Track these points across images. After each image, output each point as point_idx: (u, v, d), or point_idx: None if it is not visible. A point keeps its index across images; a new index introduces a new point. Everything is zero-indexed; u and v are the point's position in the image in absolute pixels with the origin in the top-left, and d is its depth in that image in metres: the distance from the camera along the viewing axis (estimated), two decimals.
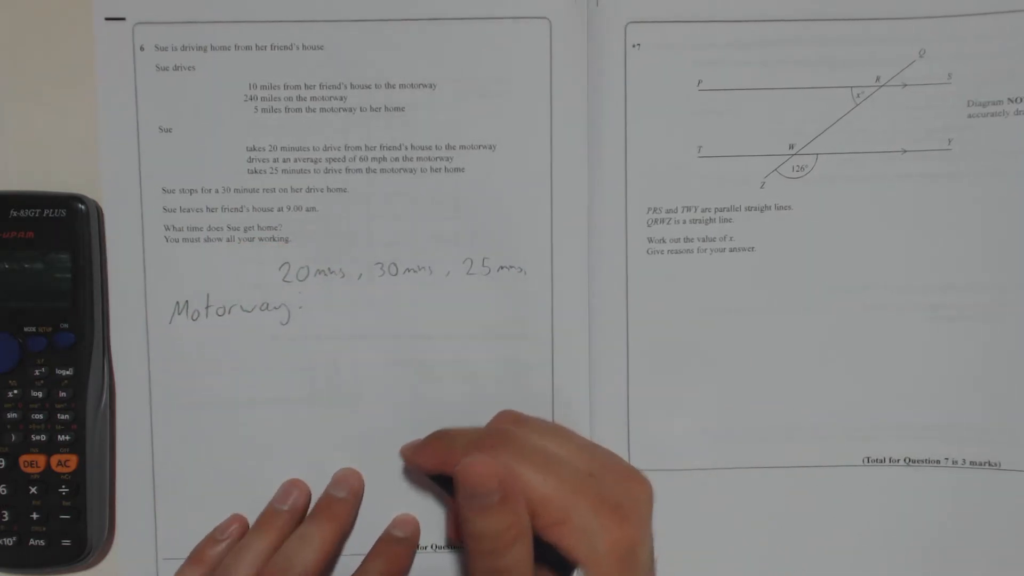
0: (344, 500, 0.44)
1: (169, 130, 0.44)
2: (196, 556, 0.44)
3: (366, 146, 0.44)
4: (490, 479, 0.35)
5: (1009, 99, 0.44)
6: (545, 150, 0.44)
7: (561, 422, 0.44)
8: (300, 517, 0.44)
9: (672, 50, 0.44)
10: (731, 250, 0.45)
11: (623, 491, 0.38)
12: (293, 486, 0.44)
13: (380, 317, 0.44)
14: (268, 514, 0.44)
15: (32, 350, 0.42)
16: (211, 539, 0.44)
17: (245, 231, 0.44)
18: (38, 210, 0.42)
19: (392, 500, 0.45)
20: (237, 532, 0.44)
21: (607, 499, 0.37)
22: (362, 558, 0.44)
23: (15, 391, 0.43)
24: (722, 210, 0.44)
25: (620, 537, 0.36)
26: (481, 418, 0.42)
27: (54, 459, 0.43)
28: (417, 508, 0.45)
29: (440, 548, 0.45)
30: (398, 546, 0.44)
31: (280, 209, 0.44)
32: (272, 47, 0.44)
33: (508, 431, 0.39)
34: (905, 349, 0.45)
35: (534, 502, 0.36)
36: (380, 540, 0.45)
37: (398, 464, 0.45)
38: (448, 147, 0.44)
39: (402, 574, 0.45)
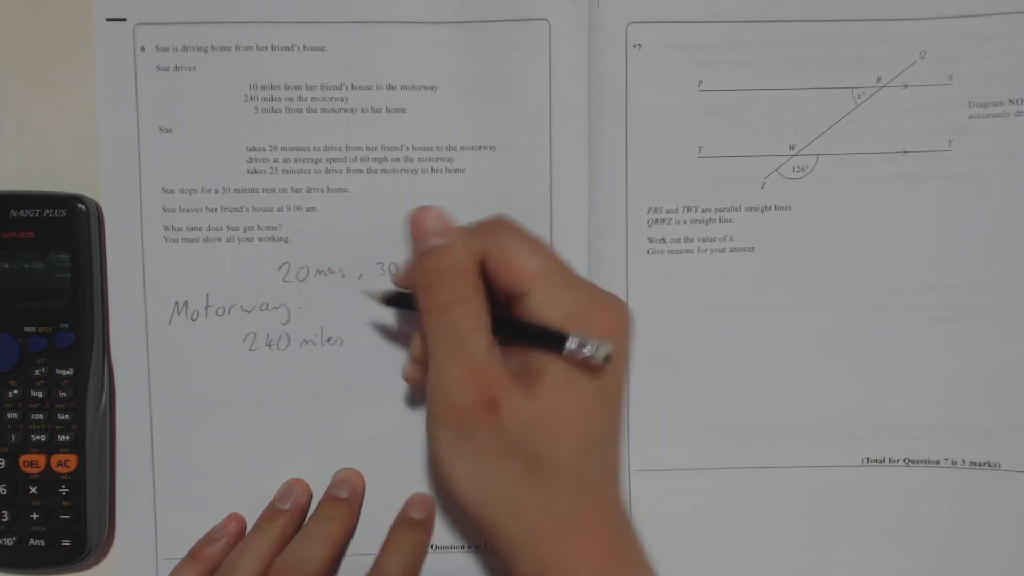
0: (346, 500, 0.44)
1: (169, 130, 0.44)
2: (194, 554, 0.43)
3: (367, 146, 0.44)
4: (434, 219, 0.37)
5: (1010, 100, 0.44)
6: (545, 151, 0.44)
7: None
8: (302, 517, 0.44)
9: (672, 50, 0.44)
10: (731, 250, 0.45)
11: (605, 303, 0.37)
12: (295, 486, 0.44)
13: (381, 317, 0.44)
14: (269, 513, 0.44)
15: (32, 350, 0.42)
16: (209, 538, 0.44)
17: (245, 231, 0.44)
18: (38, 210, 0.42)
19: (394, 500, 0.45)
20: (235, 531, 0.44)
21: (605, 294, 0.37)
22: (365, 558, 0.44)
23: (15, 391, 0.43)
24: (722, 210, 0.44)
25: (619, 329, 0.36)
26: None
27: (54, 459, 0.43)
28: None
29: (441, 548, 0.45)
30: (415, 532, 0.44)
31: (280, 209, 0.44)
32: (273, 48, 0.44)
33: (504, 218, 0.38)
34: (905, 349, 0.45)
35: (534, 274, 0.36)
36: (396, 526, 0.44)
37: (400, 464, 0.45)
38: (449, 148, 0.44)
39: (422, 560, 0.45)
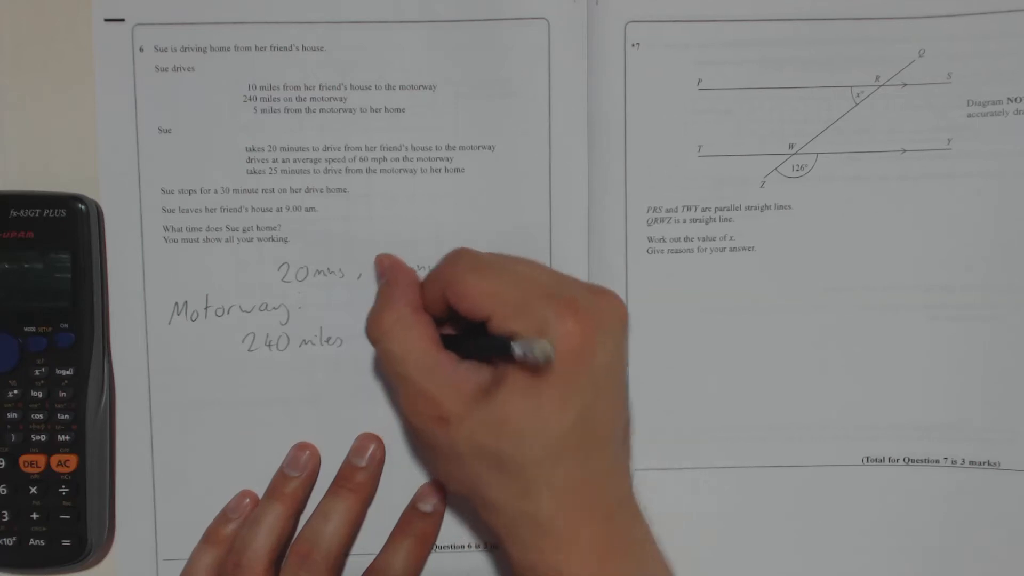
0: (365, 469, 0.44)
1: (168, 131, 0.44)
2: (209, 536, 0.43)
3: (366, 146, 0.44)
4: (379, 261, 0.43)
5: (1008, 99, 0.43)
6: (544, 150, 0.44)
7: None
8: (312, 482, 0.44)
9: (672, 49, 0.44)
10: (731, 249, 0.45)
11: (587, 298, 0.37)
12: (302, 450, 0.44)
13: None
14: (279, 481, 0.44)
15: (32, 350, 0.43)
16: (223, 518, 0.44)
17: (244, 231, 0.44)
18: (38, 210, 0.42)
19: (393, 500, 0.45)
20: (249, 509, 0.44)
21: (566, 296, 0.36)
22: (367, 558, 0.44)
23: (15, 391, 0.43)
24: (722, 209, 0.44)
25: (573, 329, 0.35)
26: None
27: (54, 459, 0.43)
28: None
29: (442, 548, 0.45)
30: (424, 522, 0.44)
31: (279, 209, 0.44)
32: (272, 48, 0.44)
33: (465, 249, 0.40)
34: (905, 349, 0.44)
35: (487, 301, 0.36)
36: (404, 516, 0.44)
37: (401, 464, 0.45)
38: (448, 148, 0.44)
39: (429, 551, 0.45)
